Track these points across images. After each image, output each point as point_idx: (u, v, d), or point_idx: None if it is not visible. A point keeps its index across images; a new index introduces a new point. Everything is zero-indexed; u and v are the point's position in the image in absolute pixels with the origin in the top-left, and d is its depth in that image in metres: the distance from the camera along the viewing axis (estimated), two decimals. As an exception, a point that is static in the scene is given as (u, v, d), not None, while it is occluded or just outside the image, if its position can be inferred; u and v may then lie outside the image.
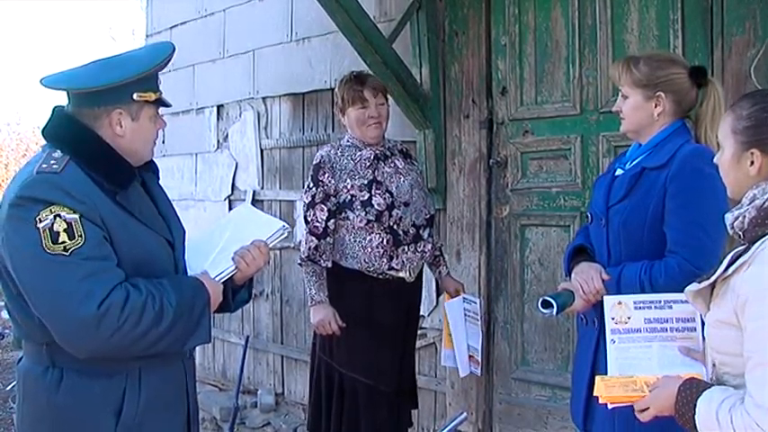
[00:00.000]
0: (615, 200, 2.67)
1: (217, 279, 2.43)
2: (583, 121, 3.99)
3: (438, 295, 4.09)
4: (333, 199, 3.57)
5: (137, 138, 2.32)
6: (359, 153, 3.64)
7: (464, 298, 3.94)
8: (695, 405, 1.85)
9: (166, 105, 2.40)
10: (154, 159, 2.48)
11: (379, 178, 3.60)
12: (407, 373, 3.81)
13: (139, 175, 2.37)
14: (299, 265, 3.68)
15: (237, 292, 2.60)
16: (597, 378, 2.21)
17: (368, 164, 3.62)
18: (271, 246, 2.58)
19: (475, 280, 4.40)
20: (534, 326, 4.22)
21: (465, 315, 3.92)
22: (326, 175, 3.57)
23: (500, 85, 4.33)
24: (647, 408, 2.02)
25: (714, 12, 3.50)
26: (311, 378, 3.81)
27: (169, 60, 2.33)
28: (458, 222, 4.47)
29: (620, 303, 2.35)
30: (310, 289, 3.63)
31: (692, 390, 1.89)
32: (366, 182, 3.58)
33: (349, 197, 3.56)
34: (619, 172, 2.74)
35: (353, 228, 3.57)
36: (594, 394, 2.18)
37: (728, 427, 1.75)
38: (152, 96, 2.32)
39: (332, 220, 3.57)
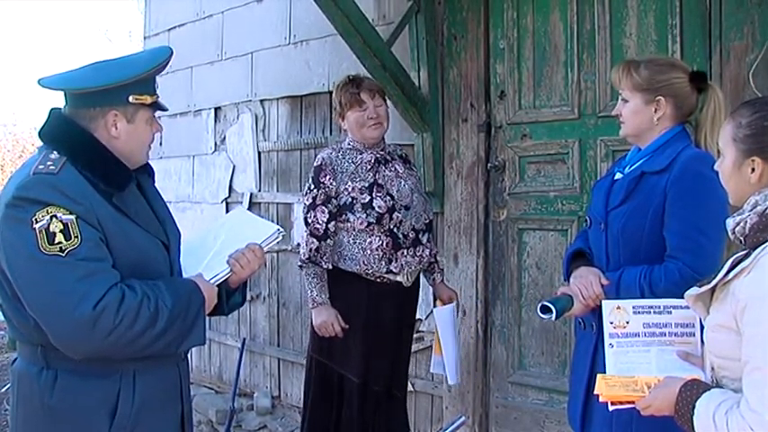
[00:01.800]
0: (614, 204, 2.66)
1: (211, 282, 2.43)
2: (581, 126, 3.98)
3: (435, 299, 4.08)
4: (334, 201, 3.57)
5: (132, 140, 2.32)
6: (360, 156, 3.64)
7: (458, 304, 3.93)
8: (694, 406, 1.85)
9: (163, 109, 2.40)
10: (149, 162, 2.48)
11: (380, 181, 3.60)
12: (399, 376, 3.79)
13: (135, 177, 2.37)
14: (300, 267, 3.67)
15: (232, 295, 2.60)
16: (598, 376, 2.21)
17: (369, 167, 3.62)
18: (266, 249, 2.58)
19: (472, 283, 4.39)
20: (531, 329, 4.21)
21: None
22: (328, 177, 3.57)
23: (498, 88, 4.32)
24: (648, 406, 2.02)
25: (713, 17, 3.49)
26: (307, 381, 3.80)
27: (166, 64, 2.34)
28: (455, 226, 4.46)
29: (618, 308, 2.35)
30: (311, 291, 3.62)
31: (692, 391, 1.90)
32: (367, 184, 3.58)
33: (350, 199, 3.55)
34: (618, 176, 2.74)
35: (353, 230, 3.56)
36: (595, 392, 2.18)
37: (724, 429, 1.76)
38: (148, 99, 2.32)
39: (332, 222, 3.57)
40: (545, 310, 2.62)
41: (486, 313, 4.39)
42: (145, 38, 7.16)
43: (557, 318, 2.64)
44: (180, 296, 2.26)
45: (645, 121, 2.66)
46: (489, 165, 4.34)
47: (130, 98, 2.27)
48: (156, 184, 2.54)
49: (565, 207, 4.06)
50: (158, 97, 2.37)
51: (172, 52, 2.36)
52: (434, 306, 4.09)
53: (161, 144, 6.46)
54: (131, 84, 2.26)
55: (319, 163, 3.62)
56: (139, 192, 2.40)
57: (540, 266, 4.17)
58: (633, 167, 2.69)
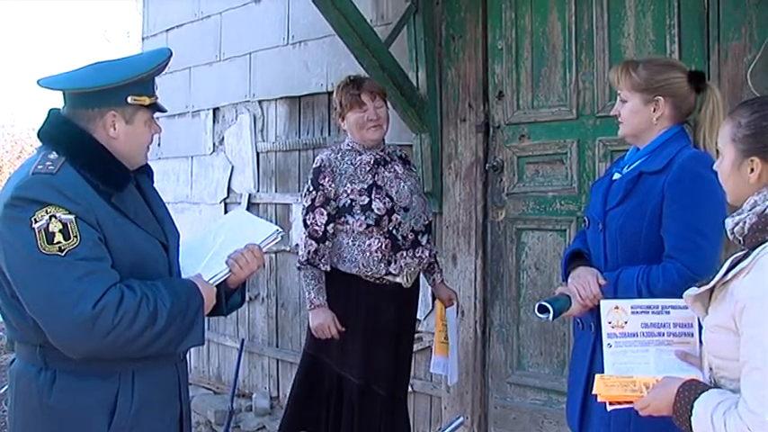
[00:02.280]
0: (612, 204, 2.66)
1: (210, 282, 2.43)
2: (579, 126, 3.99)
3: (433, 300, 4.08)
4: (333, 203, 3.56)
5: (130, 141, 2.32)
6: (359, 157, 3.64)
7: (457, 305, 3.93)
8: (692, 406, 1.85)
9: (162, 111, 2.40)
10: (149, 162, 2.48)
11: (379, 182, 3.60)
12: (401, 378, 3.79)
13: (134, 178, 2.37)
14: (298, 268, 3.67)
15: (231, 296, 2.60)
16: (597, 376, 2.21)
17: (368, 168, 3.61)
18: (264, 249, 2.58)
19: (471, 284, 4.39)
20: (530, 330, 4.21)
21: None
22: (327, 179, 3.57)
23: (497, 89, 4.32)
24: (646, 406, 2.02)
25: (710, 17, 3.50)
26: (296, 378, 3.80)
27: (165, 66, 2.34)
28: (454, 226, 4.47)
29: (617, 308, 2.34)
30: (309, 293, 3.62)
31: (690, 391, 1.90)
32: (366, 186, 3.57)
33: (349, 201, 3.55)
34: (616, 176, 2.73)
35: (353, 232, 3.56)
36: (593, 392, 2.18)
37: (722, 430, 1.76)
38: (146, 101, 2.32)
39: (331, 224, 3.57)
40: (542, 310, 2.62)
41: (485, 313, 4.39)
42: (143, 38, 7.16)
43: (554, 318, 2.64)
44: (179, 296, 2.26)
45: (643, 121, 2.66)
46: (488, 165, 4.34)
47: (129, 99, 2.27)
48: (154, 185, 2.54)
49: (563, 207, 4.06)
50: (157, 98, 2.37)
51: (171, 53, 2.36)
52: (433, 306, 4.09)
53: (159, 145, 6.46)
54: (130, 84, 2.26)
55: (318, 164, 3.62)
56: (138, 192, 2.40)
57: (539, 267, 4.18)
58: (631, 168, 2.69)
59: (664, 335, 2.27)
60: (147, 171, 2.48)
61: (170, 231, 2.46)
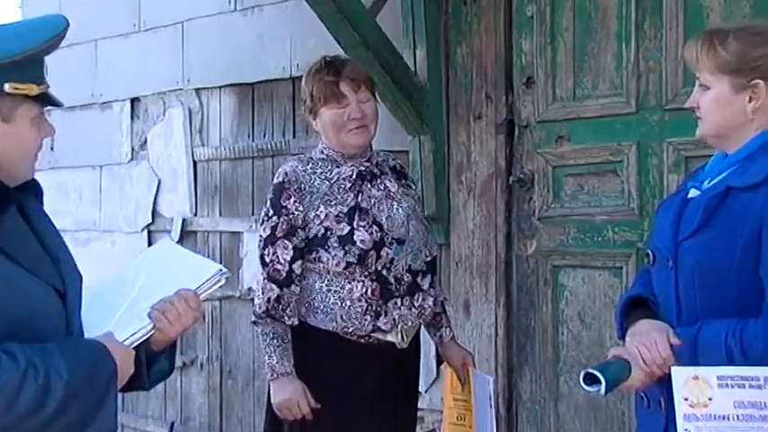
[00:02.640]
0: (688, 232, 2.64)
1: (126, 343, 2.40)
2: (640, 123, 4.01)
3: (439, 364, 4.06)
4: (300, 232, 3.56)
5: (9, 146, 2.29)
6: (336, 170, 3.63)
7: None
8: None
9: (56, 104, 2.38)
10: (36, 176, 2.45)
11: (363, 205, 3.59)
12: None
13: (16, 198, 2.33)
14: (254, 323, 3.66)
15: (155, 362, 2.57)
16: None
17: (349, 185, 3.60)
18: (203, 297, 2.56)
19: (490, 342, 4.40)
20: (574, 407, 4.22)
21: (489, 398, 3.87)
22: (292, 200, 3.56)
23: (524, 72, 4.35)
24: None
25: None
26: None
27: (59, 41, 2.31)
28: (466, 263, 4.48)
29: (696, 378, 2.34)
30: (270, 356, 3.60)
31: None
32: (346, 209, 3.57)
33: (322, 230, 3.54)
34: (693, 193, 2.72)
35: (328, 273, 3.56)
36: None
37: None
38: (33, 89, 2.28)
39: (298, 262, 3.56)
40: (591, 379, 2.61)
41: (511, 384, 4.41)
42: (22, -1, 7.20)
43: (608, 391, 2.62)
44: (81, 364, 2.22)
45: (734, 115, 2.63)
46: (512, 178, 4.36)
47: (7, 87, 2.24)
48: (45, 207, 2.51)
49: (618, 236, 4.08)
50: (48, 86, 2.34)
51: (67, 23, 2.33)
52: (438, 374, 4.06)
53: (52, 149, 6.49)
54: (5, 67, 2.23)
55: (281, 179, 3.61)
56: (22, 218, 2.36)
57: (584, 318, 4.19)
58: (715, 181, 2.68)
59: (767, 419, 2.24)
60: (33, 188, 2.45)
61: (68, 272, 2.42)
